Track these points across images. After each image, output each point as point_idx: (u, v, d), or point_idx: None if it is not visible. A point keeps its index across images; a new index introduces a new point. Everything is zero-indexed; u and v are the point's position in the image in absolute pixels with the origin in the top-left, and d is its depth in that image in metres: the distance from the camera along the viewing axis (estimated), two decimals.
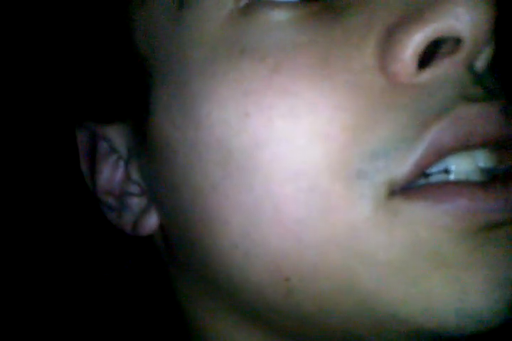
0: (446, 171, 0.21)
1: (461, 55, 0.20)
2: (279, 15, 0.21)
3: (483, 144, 0.20)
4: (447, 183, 0.20)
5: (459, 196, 0.19)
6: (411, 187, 0.20)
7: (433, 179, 0.21)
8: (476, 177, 0.21)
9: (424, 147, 0.19)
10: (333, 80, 0.20)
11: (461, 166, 0.20)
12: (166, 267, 0.30)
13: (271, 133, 0.21)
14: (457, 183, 0.20)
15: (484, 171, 0.21)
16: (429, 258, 0.20)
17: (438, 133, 0.19)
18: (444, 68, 0.20)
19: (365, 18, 0.21)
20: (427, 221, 0.19)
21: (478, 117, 0.19)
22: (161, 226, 0.27)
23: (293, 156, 0.21)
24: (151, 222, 0.27)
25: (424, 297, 0.20)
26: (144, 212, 0.27)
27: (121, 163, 0.28)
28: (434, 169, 0.21)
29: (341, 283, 0.21)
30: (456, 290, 0.19)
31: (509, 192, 0.20)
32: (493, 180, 0.21)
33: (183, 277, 0.29)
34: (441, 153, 0.20)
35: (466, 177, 0.21)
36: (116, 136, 0.28)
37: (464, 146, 0.20)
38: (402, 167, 0.20)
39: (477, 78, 0.20)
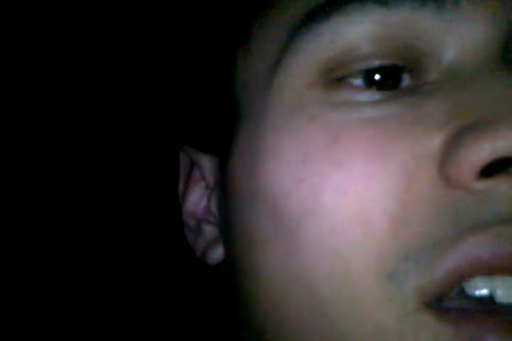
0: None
1: None
2: (361, 98, 0.22)
3: None
4: (480, 312, 0.19)
5: (489, 334, 0.18)
6: (444, 301, 0.19)
7: (474, 295, 0.19)
8: None
9: (458, 257, 0.18)
10: (389, 159, 0.20)
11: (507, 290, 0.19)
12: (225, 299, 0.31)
13: (318, 204, 0.20)
14: (491, 317, 0.18)
15: None
16: None
17: (474, 246, 0.18)
18: (506, 186, 0.18)
19: (444, 109, 0.20)
20: None
21: None
22: (225, 261, 0.28)
23: (333, 235, 0.20)
24: (217, 253, 0.28)
25: None
26: (214, 242, 0.29)
27: (207, 192, 0.30)
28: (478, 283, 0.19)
29: None
30: None
31: None
32: None
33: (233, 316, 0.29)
34: (478, 267, 0.18)
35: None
36: (207, 166, 0.30)
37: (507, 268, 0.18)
38: (433, 274, 0.19)
39: None
